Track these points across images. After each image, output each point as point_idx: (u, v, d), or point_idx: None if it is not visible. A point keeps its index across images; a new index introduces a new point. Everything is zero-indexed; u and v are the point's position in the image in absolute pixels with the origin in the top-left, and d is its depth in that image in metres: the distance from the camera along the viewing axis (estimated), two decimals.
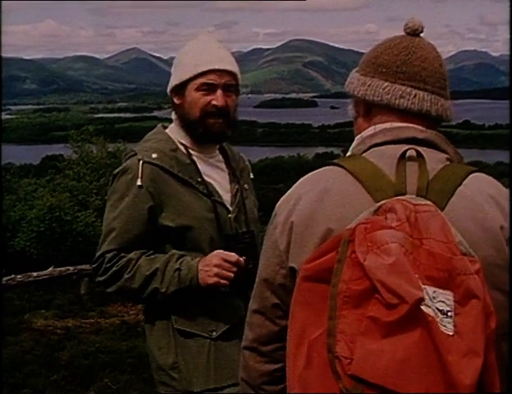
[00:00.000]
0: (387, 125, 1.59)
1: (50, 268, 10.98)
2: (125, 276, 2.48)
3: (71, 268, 11.15)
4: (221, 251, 2.49)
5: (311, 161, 72.61)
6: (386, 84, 1.58)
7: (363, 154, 1.55)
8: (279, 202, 1.60)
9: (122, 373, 6.27)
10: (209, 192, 2.57)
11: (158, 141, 2.60)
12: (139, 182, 2.48)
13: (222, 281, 2.45)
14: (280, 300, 1.55)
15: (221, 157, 2.72)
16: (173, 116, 2.67)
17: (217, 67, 2.52)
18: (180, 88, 2.57)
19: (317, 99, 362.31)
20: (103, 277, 2.53)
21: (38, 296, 10.87)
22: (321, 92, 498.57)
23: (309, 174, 1.59)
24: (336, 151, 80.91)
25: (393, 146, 1.52)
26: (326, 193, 1.48)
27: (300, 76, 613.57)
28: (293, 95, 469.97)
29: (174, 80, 2.60)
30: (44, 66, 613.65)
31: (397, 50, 1.60)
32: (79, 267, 11.16)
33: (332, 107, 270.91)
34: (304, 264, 1.37)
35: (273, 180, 54.77)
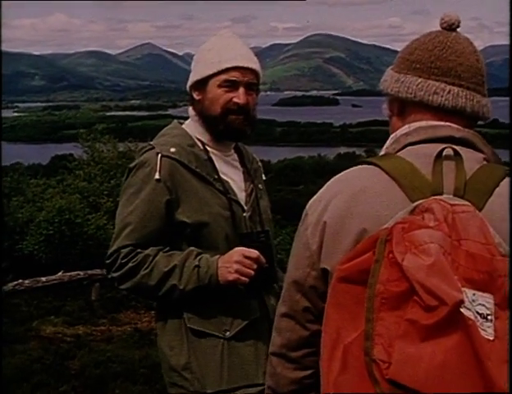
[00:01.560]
0: (422, 123, 1.60)
1: (59, 273, 10.99)
2: (142, 272, 2.49)
3: (82, 273, 11.15)
4: (242, 248, 2.51)
5: (332, 162, 72.17)
6: (419, 80, 1.60)
7: (398, 153, 1.56)
8: (310, 202, 1.61)
9: (134, 383, 6.25)
10: (225, 190, 2.60)
11: (176, 136, 2.64)
12: (157, 176, 2.50)
13: (242, 278, 2.48)
14: (311, 303, 1.56)
15: (236, 156, 2.76)
16: (190, 112, 2.70)
17: (240, 65, 2.56)
18: (202, 83, 2.61)
19: (338, 97, 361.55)
20: (118, 273, 2.53)
21: (47, 302, 10.86)
22: (342, 89, 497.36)
23: (342, 173, 1.60)
24: (359, 151, 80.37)
25: (429, 145, 1.53)
26: (361, 192, 1.49)
27: (321, 73, 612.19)
28: (313, 92, 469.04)
29: (195, 76, 2.63)
30: (54, 61, 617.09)
31: (432, 45, 1.61)
32: (89, 272, 11.14)
33: (354, 106, 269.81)
34: (339, 265, 1.38)
35: (293, 182, 54.71)
